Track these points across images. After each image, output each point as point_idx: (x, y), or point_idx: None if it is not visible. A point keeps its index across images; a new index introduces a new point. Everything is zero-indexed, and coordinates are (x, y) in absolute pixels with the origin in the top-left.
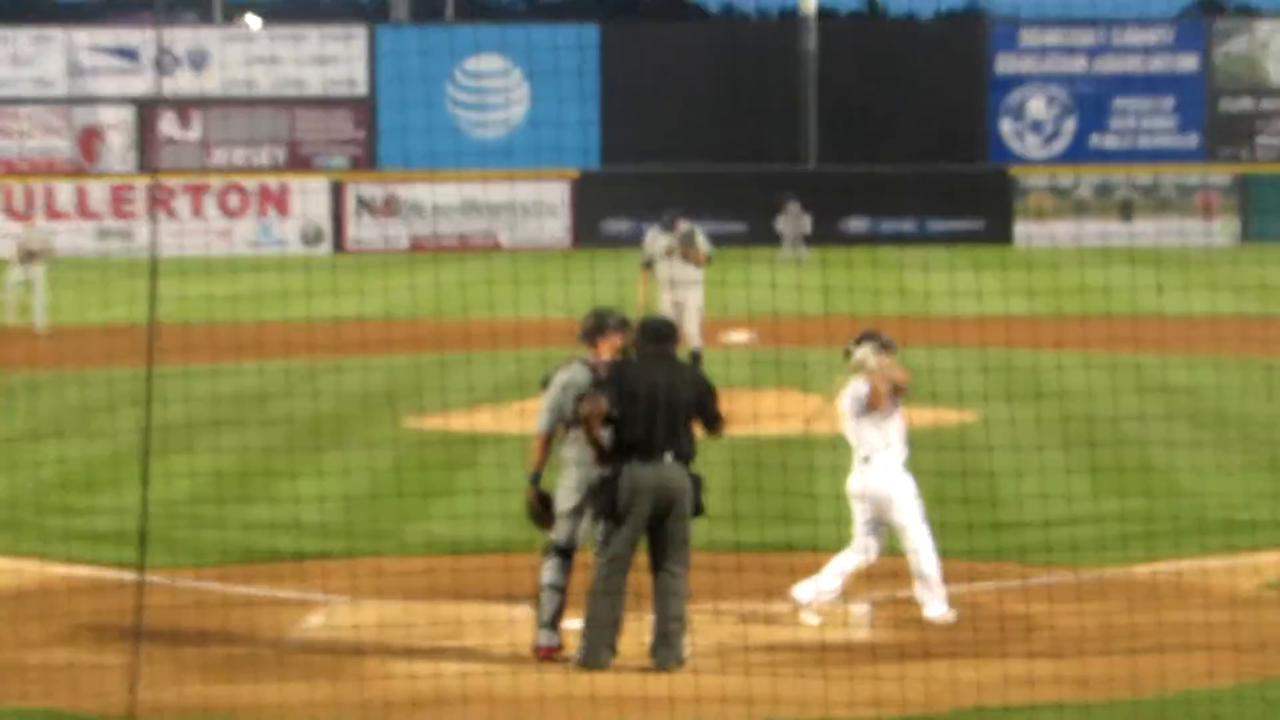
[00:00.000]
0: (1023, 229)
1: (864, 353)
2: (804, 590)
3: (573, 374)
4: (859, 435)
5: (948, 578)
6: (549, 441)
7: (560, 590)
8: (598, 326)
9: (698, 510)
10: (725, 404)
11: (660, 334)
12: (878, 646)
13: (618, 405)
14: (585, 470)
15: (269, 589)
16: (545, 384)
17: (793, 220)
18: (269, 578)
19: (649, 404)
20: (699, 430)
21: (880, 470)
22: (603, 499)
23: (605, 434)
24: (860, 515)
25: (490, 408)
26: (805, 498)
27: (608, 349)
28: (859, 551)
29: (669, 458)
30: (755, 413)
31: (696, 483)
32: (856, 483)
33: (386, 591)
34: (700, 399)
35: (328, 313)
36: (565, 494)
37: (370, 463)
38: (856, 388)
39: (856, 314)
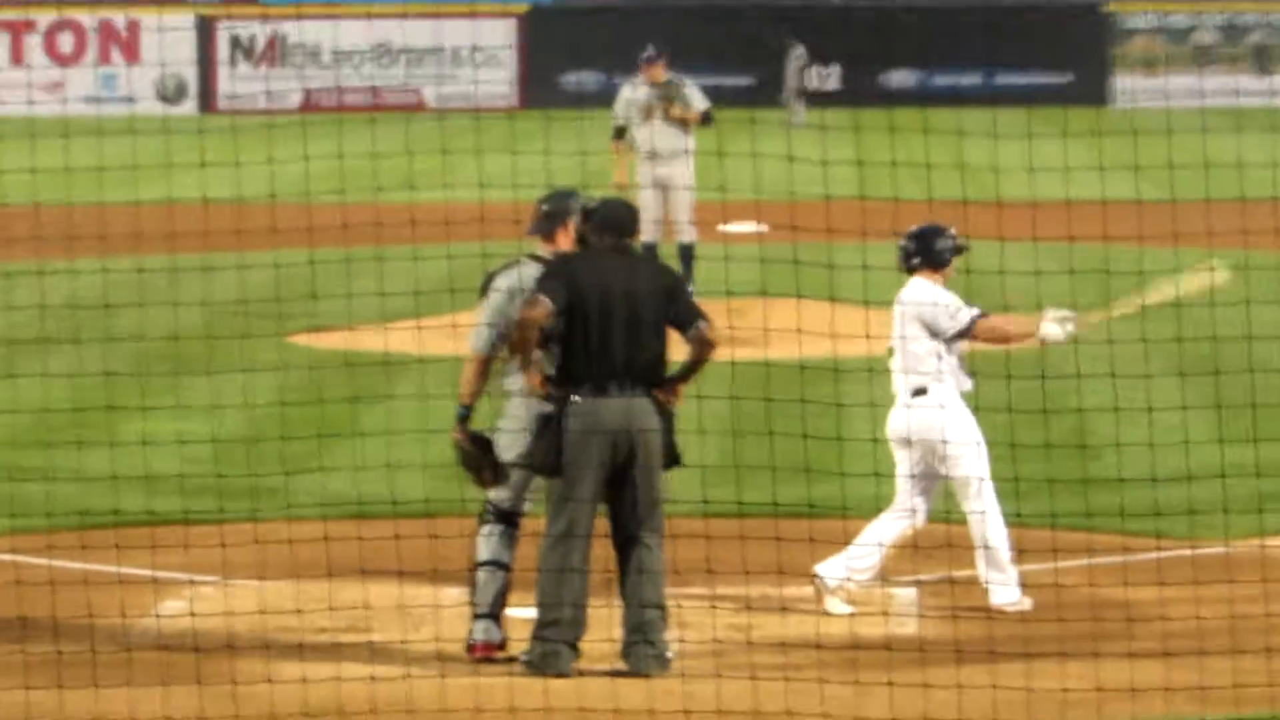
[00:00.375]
0: (1124, 84)
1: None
2: (831, 568)
3: (521, 276)
4: (911, 358)
5: (1021, 552)
6: (488, 366)
7: (503, 568)
8: (555, 213)
9: (671, 459)
10: (723, 320)
11: (616, 221)
12: (927, 644)
13: (562, 316)
14: (534, 403)
15: (112, 564)
16: (485, 290)
17: (793, 71)
18: (112, 549)
19: (602, 315)
20: (684, 346)
21: (934, 406)
22: (542, 448)
23: (541, 356)
24: (905, 466)
25: (409, 321)
26: (831, 443)
27: (568, 242)
28: (902, 515)
29: (630, 388)
30: (765, 330)
31: (669, 423)
32: (900, 421)
33: (269, 568)
34: (669, 296)
35: (192, 193)
36: (509, 438)
37: (248, 395)
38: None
39: (902, 197)
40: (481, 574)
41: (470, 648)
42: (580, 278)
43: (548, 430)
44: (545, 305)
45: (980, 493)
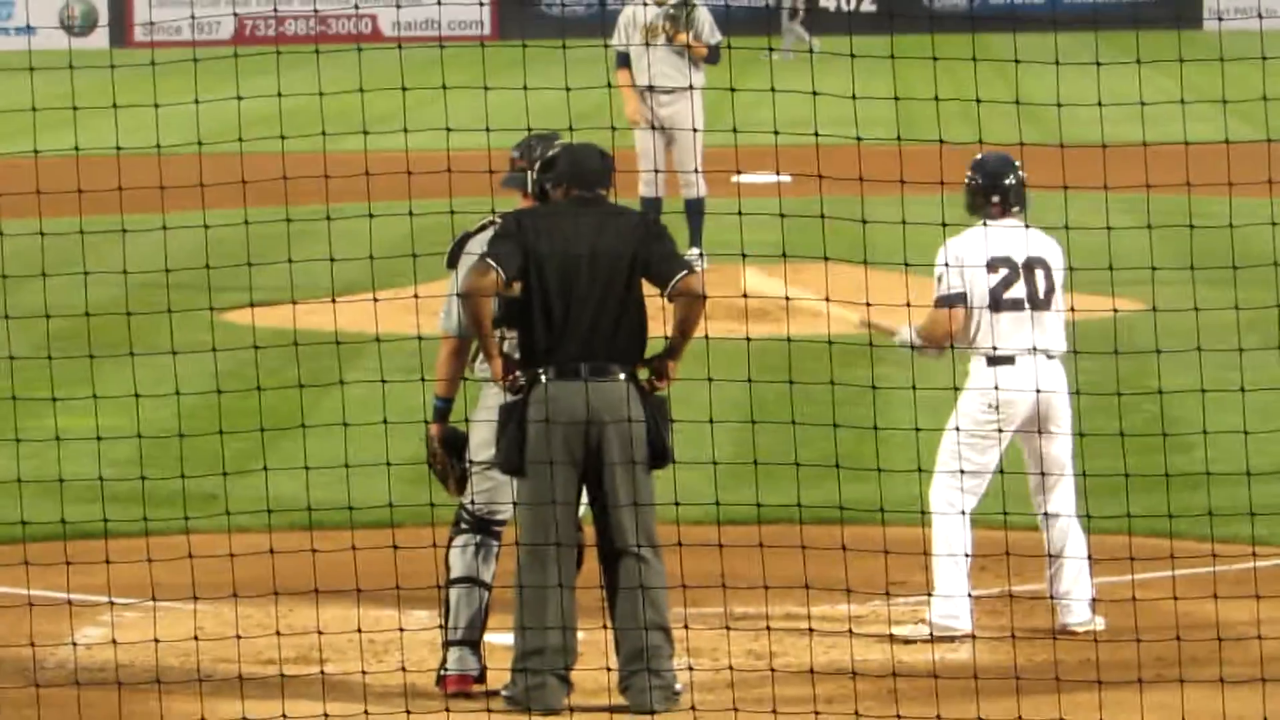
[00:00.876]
0: (1215, 3)
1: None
2: (945, 611)
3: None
4: (996, 328)
5: (1094, 558)
6: (464, 350)
7: (481, 586)
8: (534, 160)
9: (659, 455)
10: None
11: (579, 171)
12: (982, 671)
13: (514, 263)
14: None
15: (19, 585)
16: (454, 258)
17: None
18: (18, 566)
19: (563, 283)
20: (670, 313)
21: (1035, 372)
22: (505, 443)
23: (501, 337)
24: (987, 444)
25: (365, 294)
26: (866, 435)
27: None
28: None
29: (603, 370)
30: (787, 301)
31: (655, 411)
32: (988, 381)
33: (203, 587)
34: (647, 252)
35: (104, 142)
36: (482, 433)
37: (176, 382)
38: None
39: (951, 140)
40: (454, 594)
41: (442, 680)
42: (536, 239)
43: (510, 422)
44: (493, 274)
45: (1066, 488)
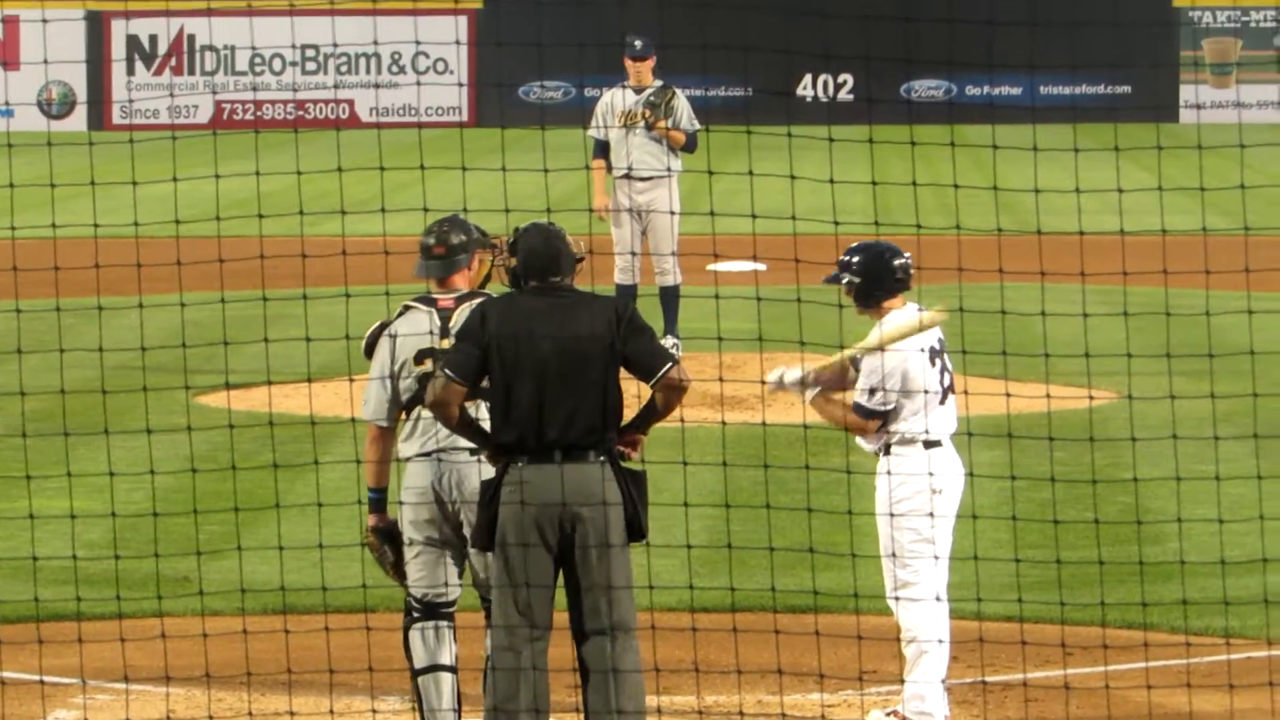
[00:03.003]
0: (1193, 94)
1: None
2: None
3: (410, 323)
4: (936, 415)
5: (1067, 648)
6: (388, 436)
7: (446, 670)
8: (452, 245)
9: (634, 532)
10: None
11: (534, 261)
12: None
13: (473, 371)
14: (433, 468)
15: None
16: (370, 349)
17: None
18: None
19: (532, 374)
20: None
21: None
22: (477, 524)
23: (474, 412)
24: (946, 528)
25: (340, 377)
26: (840, 521)
27: (467, 282)
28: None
29: (574, 453)
30: (762, 385)
31: (634, 487)
32: (923, 467)
33: (176, 670)
34: (624, 340)
35: (81, 225)
36: (409, 514)
37: (151, 463)
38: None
39: (927, 227)
40: (421, 681)
41: None
42: (498, 332)
43: (488, 500)
44: (453, 389)
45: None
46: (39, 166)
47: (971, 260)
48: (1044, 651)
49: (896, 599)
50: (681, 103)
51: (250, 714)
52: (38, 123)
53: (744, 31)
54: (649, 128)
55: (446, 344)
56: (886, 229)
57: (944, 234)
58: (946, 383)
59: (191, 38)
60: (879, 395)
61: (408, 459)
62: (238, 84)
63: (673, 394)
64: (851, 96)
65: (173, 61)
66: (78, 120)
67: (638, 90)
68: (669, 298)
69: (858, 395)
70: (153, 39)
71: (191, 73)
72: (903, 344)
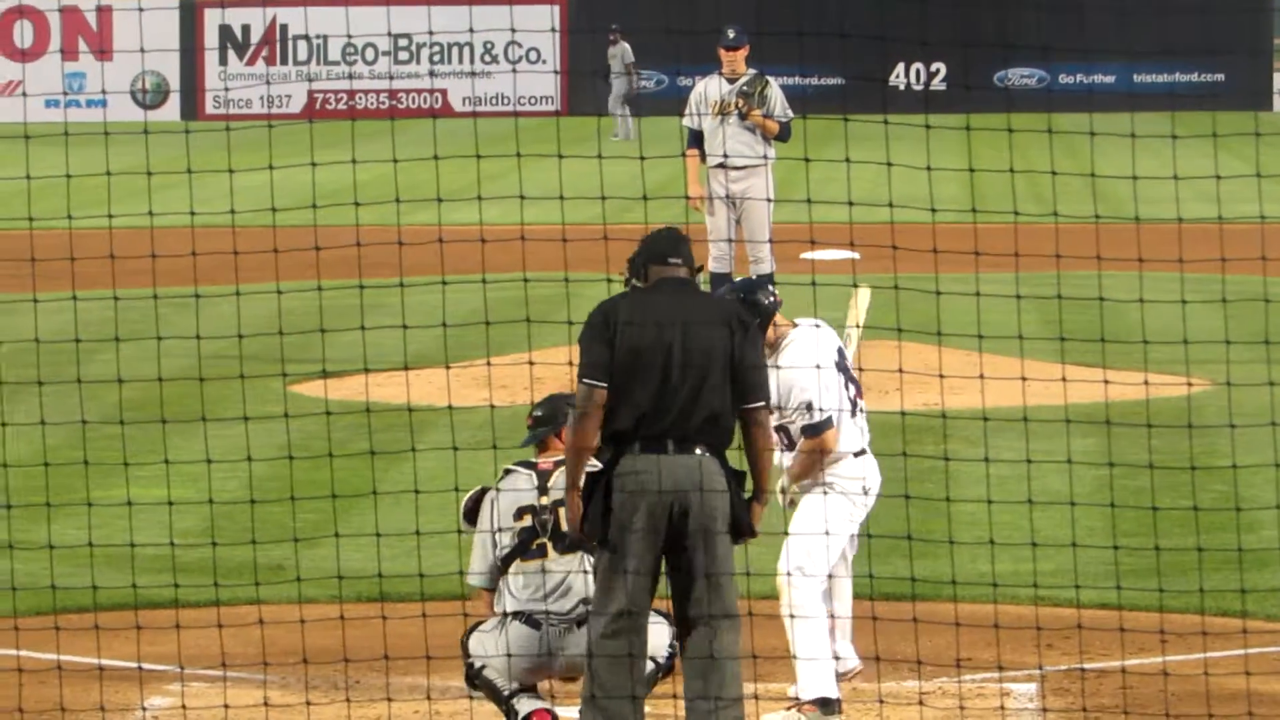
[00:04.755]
0: None
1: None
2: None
3: (510, 484)
4: (854, 426)
5: (1165, 635)
6: (495, 597)
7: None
8: (552, 416)
9: (741, 530)
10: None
11: (666, 248)
12: None
13: (609, 368)
14: (539, 635)
15: (90, 653)
16: (471, 516)
17: (618, 69)
18: (85, 634)
19: (657, 356)
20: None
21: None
22: (589, 513)
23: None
24: (857, 527)
25: (436, 367)
26: (937, 507)
27: (559, 450)
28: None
29: (685, 445)
30: (858, 380)
31: (740, 485)
32: (858, 472)
33: (274, 657)
34: (738, 353)
35: (177, 214)
36: (510, 661)
37: (247, 451)
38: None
39: (1024, 214)
40: (483, 674)
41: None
42: (623, 321)
43: (595, 491)
44: (598, 391)
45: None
46: (134, 156)
47: (1069, 248)
48: (1141, 639)
49: (789, 574)
50: (775, 91)
51: (347, 700)
52: (132, 113)
53: (839, 19)
54: (742, 117)
55: (545, 500)
56: (983, 217)
57: (1041, 222)
58: (852, 394)
59: (284, 27)
60: (815, 411)
61: (507, 613)
62: (331, 74)
63: (758, 439)
64: (945, 85)
65: (265, 51)
66: (171, 110)
67: (731, 79)
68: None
69: (801, 424)
70: (245, 29)
71: (285, 63)
72: (805, 359)
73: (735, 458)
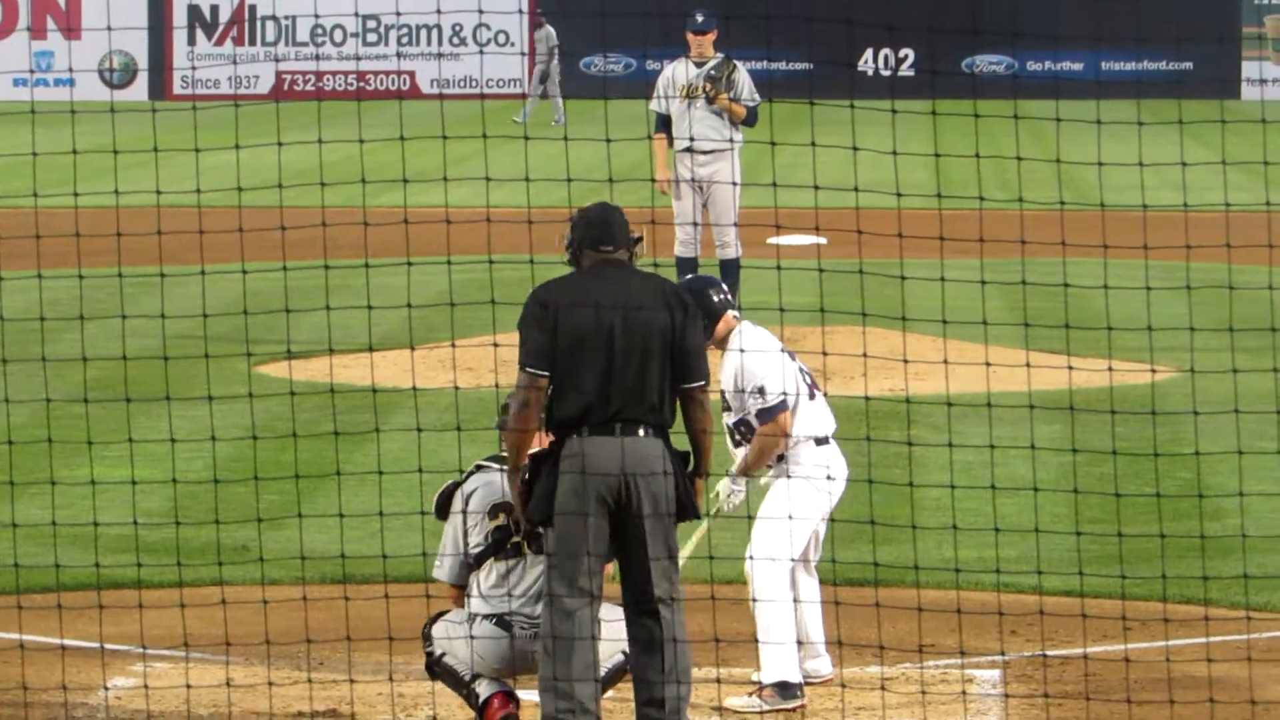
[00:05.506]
0: (1255, 70)
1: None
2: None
3: (481, 480)
4: (815, 413)
5: (1127, 622)
6: (463, 596)
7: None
8: (506, 406)
9: (686, 511)
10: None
11: (599, 235)
12: None
13: (549, 355)
14: (508, 643)
15: (47, 634)
16: (443, 510)
17: (543, 55)
18: (48, 613)
19: (599, 340)
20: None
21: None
22: (536, 494)
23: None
24: (822, 517)
25: (400, 349)
26: (900, 493)
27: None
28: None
29: (634, 427)
30: (823, 365)
31: (685, 467)
32: (822, 460)
33: (237, 637)
34: (678, 335)
35: (143, 194)
36: (479, 655)
37: (211, 431)
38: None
39: (989, 200)
40: (444, 661)
41: (485, 706)
42: (561, 304)
43: (538, 475)
44: (541, 379)
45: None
46: (101, 135)
47: (1034, 234)
48: (1104, 625)
49: (752, 558)
50: (742, 76)
51: (309, 681)
52: (99, 92)
53: (807, 4)
54: (710, 101)
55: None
56: (948, 203)
57: (1007, 208)
58: (809, 381)
59: (253, 8)
60: (768, 395)
61: (477, 615)
62: (299, 54)
63: (697, 410)
64: (913, 71)
65: (233, 32)
66: (139, 89)
67: (699, 63)
68: (730, 270)
69: (755, 409)
70: (214, 9)
71: (253, 43)
72: (756, 346)
73: (678, 440)
